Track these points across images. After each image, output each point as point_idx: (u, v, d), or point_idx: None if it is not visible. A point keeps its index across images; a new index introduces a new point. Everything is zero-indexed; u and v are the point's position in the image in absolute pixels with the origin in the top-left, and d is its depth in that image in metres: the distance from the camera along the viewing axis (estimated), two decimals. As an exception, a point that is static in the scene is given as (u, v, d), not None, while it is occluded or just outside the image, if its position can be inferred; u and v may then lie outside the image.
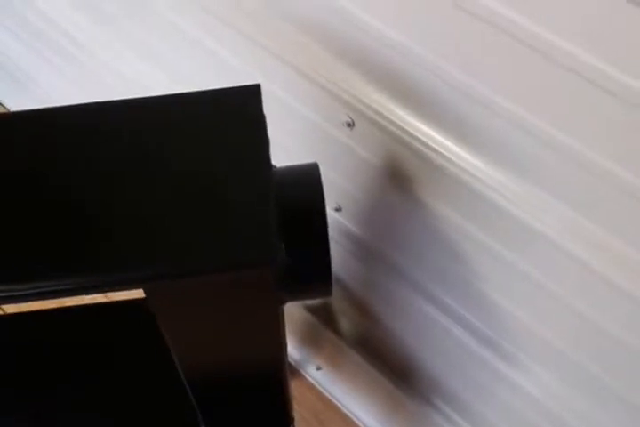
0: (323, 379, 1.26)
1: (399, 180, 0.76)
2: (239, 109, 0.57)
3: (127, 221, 0.53)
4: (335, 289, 1.01)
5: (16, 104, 1.64)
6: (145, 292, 0.58)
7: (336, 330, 1.13)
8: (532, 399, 0.82)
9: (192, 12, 0.88)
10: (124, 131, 0.56)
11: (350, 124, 0.76)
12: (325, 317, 1.13)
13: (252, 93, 0.58)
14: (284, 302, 0.64)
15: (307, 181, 0.59)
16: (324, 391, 1.27)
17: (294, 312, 1.16)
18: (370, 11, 0.66)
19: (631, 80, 0.50)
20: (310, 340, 1.23)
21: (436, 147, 0.69)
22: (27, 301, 0.53)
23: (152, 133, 0.56)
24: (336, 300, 1.07)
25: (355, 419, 1.25)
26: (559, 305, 0.70)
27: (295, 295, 0.62)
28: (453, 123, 0.67)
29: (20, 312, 0.93)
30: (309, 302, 1.12)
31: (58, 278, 0.52)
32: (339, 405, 1.26)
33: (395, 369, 1.07)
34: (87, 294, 0.55)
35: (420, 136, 0.69)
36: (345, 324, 1.11)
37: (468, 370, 0.90)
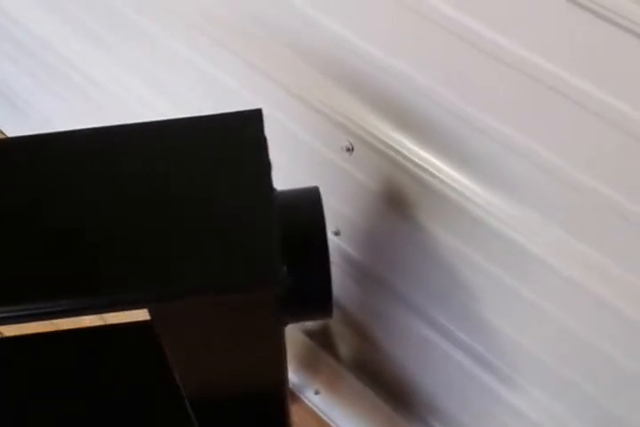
0: (321, 403, 1.26)
1: (398, 204, 0.78)
2: (241, 134, 0.59)
3: (130, 244, 0.54)
4: (334, 313, 1.02)
5: (15, 130, 1.65)
6: (150, 312, 0.59)
7: (335, 354, 1.13)
8: (531, 423, 0.83)
9: (192, 37, 0.90)
10: (125, 156, 0.57)
11: (350, 149, 0.77)
12: (324, 341, 1.13)
13: (253, 118, 0.59)
14: (285, 324, 0.65)
15: (308, 203, 0.60)
16: (322, 416, 1.27)
17: (293, 336, 1.16)
18: (366, 37, 0.68)
19: (619, 103, 0.52)
20: (309, 364, 1.23)
21: (435, 171, 0.70)
22: (30, 321, 0.54)
23: (153, 158, 0.57)
24: (335, 323, 1.08)
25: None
26: (557, 328, 0.71)
27: (296, 317, 0.63)
28: (451, 148, 0.68)
29: (19, 335, 0.94)
30: (309, 324, 1.12)
31: (62, 299, 0.53)
32: (332, 424, 1.26)
33: (394, 393, 1.07)
34: (91, 313, 0.55)
35: (418, 161, 0.71)
36: (343, 348, 1.11)
37: (467, 393, 0.91)
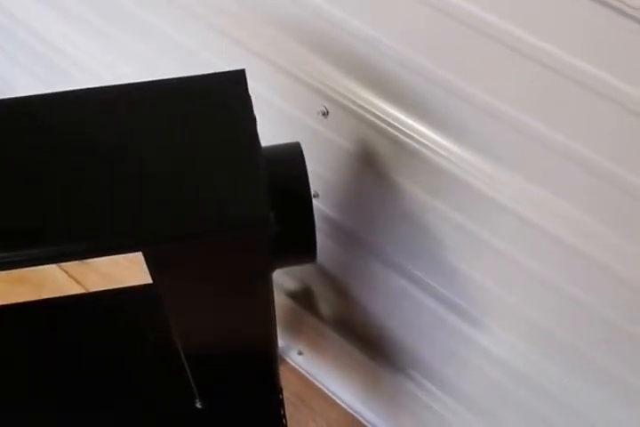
0: (305, 363, 1.32)
1: (372, 164, 0.83)
2: (226, 92, 0.64)
3: (127, 192, 0.58)
4: (314, 273, 1.08)
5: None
6: (146, 258, 0.64)
7: (316, 314, 1.19)
8: (501, 363, 0.89)
9: (162, 7, 0.94)
10: (120, 114, 0.62)
11: (325, 114, 0.83)
12: (305, 302, 1.19)
13: (237, 77, 0.64)
14: (273, 269, 0.70)
15: (291, 155, 0.66)
16: (306, 375, 1.33)
17: (276, 299, 1.22)
18: (340, 5, 0.73)
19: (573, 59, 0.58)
20: (291, 326, 1.29)
21: (407, 130, 0.76)
22: (33, 265, 0.59)
23: (143, 116, 0.62)
24: (315, 284, 1.14)
25: (337, 399, 1.31)
26: (523, 272, 0.78)
27: (283, 261, 0.69)
28: (422, 106, 0.74)
29: (28, 301, 0.99)
30: (291, 285, 1.18)
31: (63, 243, 0.57)
32: (321, 386, 1.32)
33: (373, 346, 1.13)
34: (91, 257, 0.60)
35: (391, 121, 0.77)
36: (325, 307, 1.17)
37: (440, 339, 0.97)
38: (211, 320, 0.77)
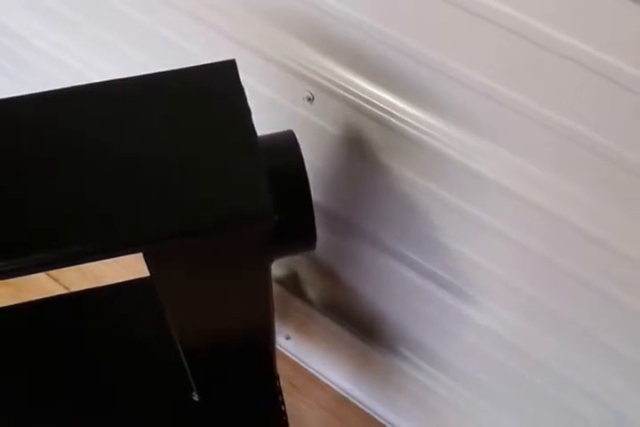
0: (293, 347, 1.32)
1: (360, 147, 0.83)
2: (219, 83, 0.63)
3: (127, 192, 0.57)
4: (301, 258, 1.08)
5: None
6: (145, 254, 0.63)
7: (304, 298, 1.20)
8: (494, 337, 0.91)
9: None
10: (113, 110, 0.61)
11: (310, 99, 0.82)
12: (292, 286, 1.20)
13: (228, 67, 0.64)
14: (272, 259, 0.70)
15: (286, 144, 0.66)
16: (294, 359, 1.34)
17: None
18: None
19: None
20: (278, 310, 1.29)
21: (392, 110, 0.77)
22: (29, 273, 0.58)
23: (139, 110, 0.61)
24: (302, 268, 1.14)
25: (327, 381, 1.32)
26: (512, 246, 0.79)
27: (282, 251, 0.68)
28: (407, 87, 0.74)
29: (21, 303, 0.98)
30: (278, 272, 1.18)
31: (61, 248, 0.56)
32: (310, 370, 1.33)
33: (362, 326, 1.14)
34: (93, 260, 0.59)
35: (376, 102, 0.77)
36: (312, 291, 1.18)
37: (431, 316, 0.98)
38: (209, 313, 0.77)
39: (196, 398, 0.95)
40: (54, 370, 0.95)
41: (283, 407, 0.96)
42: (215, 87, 0.63)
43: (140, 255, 1.40)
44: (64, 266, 0.59)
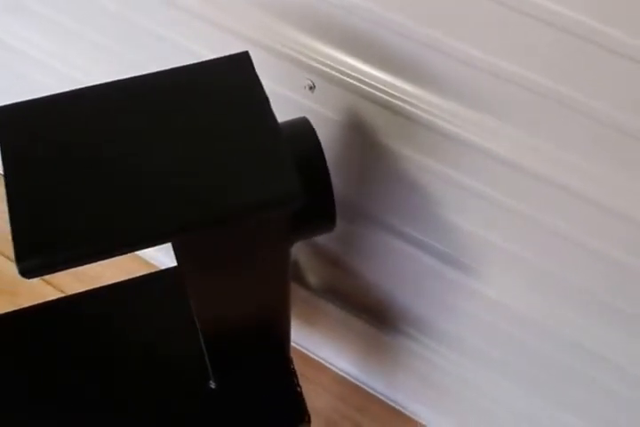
0: (295, 335, 1.35)
1: (363, 131, 0.86)
2: (236, 74, 0.66)
3: (160, 181, 0.60)
4: (302, 245, 1.11)
5: None
6: (174, 246, 0.65)
7: (304, 284, 1.22)
8: (503, 309, 0.94)
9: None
10: (144, 103, 0.64)
11: (312, 87, 0.85)
12: (293, 274, 1.22)
13: (242, 59, 0.66)
14: (292, 242, 0.73)
15: (302, 128, 0.68)
16: (297, 347, 1.36)
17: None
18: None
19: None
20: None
21: (393, 91, 0.79)
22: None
23: (167, 104, 0.63)
24: (302, 255, 1.17)
25: (330, 366, 1.35)
26: (516, 218, 0.82)
27: (303, 233, 0.71)
28: (406, 67, 0.77)
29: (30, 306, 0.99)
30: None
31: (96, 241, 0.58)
32: (313, 356, 1.36)
33: (365, 307, 1.17)
34: (136, 249, 0.61)
35: (379, 85, 0.79)
36: (312, 276, 1.20)
37: (438, 294, 1.02)
38: (232, 299, 0.79)
39: (212, 386, 0.97)
40: (71, 365, 0.96)
41: (298, 389, 0.99)
42: (233, 78, 0.66)
43: (134, 256, 1.42)
44: (92, 261, 0.61)
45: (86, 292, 1.05)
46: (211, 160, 0.61)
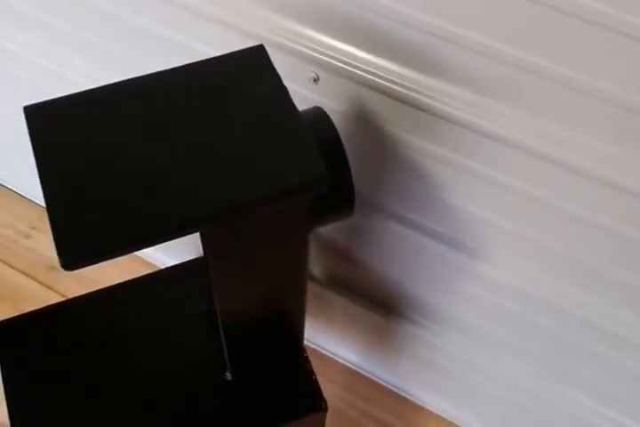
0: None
1: (367, 121, 0.89)
2: (254, 66, 0.68)
3: (190, 168, 0.62)
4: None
5: None
6: (202, 235, 0.67)
7: (310, 277, 1.24)
8: (506, 289, 0.97)
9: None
10: (169, 97, 0.66)
11: (316, 79, 0.87)
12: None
13: (258, 52, 0.69)
14: (312, 229, 0.75)
15: (319, 116, 0.71)
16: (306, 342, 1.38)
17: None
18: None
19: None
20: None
21: (398, 79, 0.81)
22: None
23: (194, 97, 0.66)
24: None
25: (337, 358, 1.37)
26: (518, 199, 0.85)
27: (325, 218, 0.73)
28: (409, 54, 0.79)
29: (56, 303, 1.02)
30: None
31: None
32: (318, 348, 1.38)
33: (369, 296, 1.19)
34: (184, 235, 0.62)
35: (384, 74, 0.82)
36: (316, 267, 1.22)
37: (440, 277, 1.04)
38: (252, 287, 0.81)
39: (229, 377, 0.99)
40: (91, 361, 0.98)
41: (314, 377, 1.01)
42: (251, 70, 0.68)
43: (134, 257, 1.43)
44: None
45: (98, 291, 1.07)
46: (238, 148, 0.63)
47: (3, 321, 1.02)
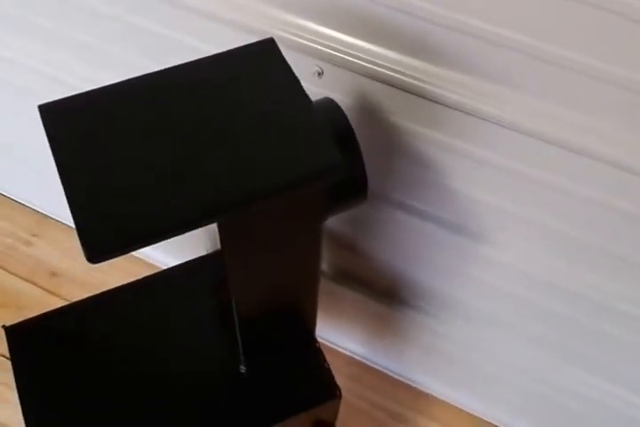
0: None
1: (372, 112, 0.90)
2: (265, 58, 0.70)
3: (216, 158, 0.63)
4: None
5: None
6: (220, 227, 0.69)
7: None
8: (513, 272, 0.99)
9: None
10: (185, 90, 0.67)
11: (320, 73, 0.89)
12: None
13: (269, 45, 0.70)
14: (326, 218, 0.77)
15: (330, 106, 0.73)
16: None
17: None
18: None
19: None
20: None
21: (402, 69, 0.83)
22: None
23: (209, 89, 0.67)
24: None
25: (342, 350, 1.39)
26: (522, 182, 0.87)
27: (337, 207, 0.75)
28: (412, 43, 0.81)
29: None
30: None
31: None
32: (322, 340, 1.39)
33: (374, 285, 1.20)
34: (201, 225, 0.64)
35: (384, 62, 0.83)
36: (322, 262, 1.23)
37: (446, 263, 1.06)
38: (267, 278, 0.83)
39: (243, 370, 1.00)
40: (108, 358, 0.99)
41: (326, 364, 1.02)
42: (263, 62, 0.70)
43: (137, 260, 1.44)
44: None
45: (105, 292, 1.08)
46: (255, 138, 0.65)
47: (14, 325, 1.03)
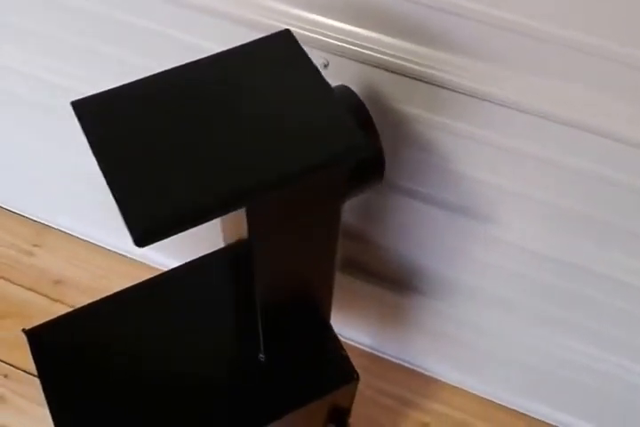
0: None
1: (377, 101, 0.94)
2: (284, 49, 0.73)
3: (243, 144, 0.67)
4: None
5: None
6: (248, 212, 0.72)
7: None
8: (519, 250, 1.03)
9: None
10: (210, 82, 0.70)
11: (326, 65, 0.92)
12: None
13: (286, 36, 0.74)
14: (346, 199, 0.80)
15: (346, 92, 0.77)
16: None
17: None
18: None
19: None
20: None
21: (406, 55, 0.86)
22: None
23: (231, 79, 0.70)
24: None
25: (351, 342, 1.42)
26: (529, 162, 0.91)
27: (355, 189, 0.79)
28: (415, 30, 0.84)
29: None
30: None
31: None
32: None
33: (383, 274, 1.23)
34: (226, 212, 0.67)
35: (385, 49, 0.86)
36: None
37: (453, 245, 1.09)
38: (288, 262, 0.86)
39: (262, 358, 1.03)
40: (129, 356, 1.01)
41: (344, 352, 1.05)
42: (282, 53, 0.73)
43: (139, 264, 1.44)
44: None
45: (116, 293, 1.10)
46: (283, 123, 0.68)
47: (34, 328, 1.04)
